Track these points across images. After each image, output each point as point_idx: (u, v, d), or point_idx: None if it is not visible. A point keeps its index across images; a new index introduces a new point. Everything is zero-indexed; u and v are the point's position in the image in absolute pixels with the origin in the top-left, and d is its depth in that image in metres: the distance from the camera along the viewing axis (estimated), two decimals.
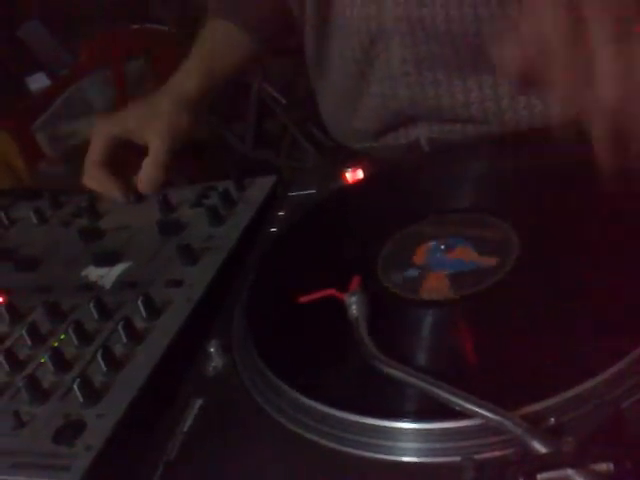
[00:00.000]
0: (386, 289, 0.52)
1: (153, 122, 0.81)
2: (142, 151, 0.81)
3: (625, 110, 0.48)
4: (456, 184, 0.62)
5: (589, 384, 0.39)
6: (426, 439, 0.40)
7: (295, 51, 0.99)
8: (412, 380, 0.42)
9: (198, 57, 0.87)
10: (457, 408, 0.39)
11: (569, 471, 0.34)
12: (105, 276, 0.66)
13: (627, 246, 0.48)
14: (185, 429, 0.47)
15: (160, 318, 0.57)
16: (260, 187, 0.75)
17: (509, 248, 0.52)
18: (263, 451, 0.44)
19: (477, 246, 0.53)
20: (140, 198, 0.79)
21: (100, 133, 0.81)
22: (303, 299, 0.51)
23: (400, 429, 0.41)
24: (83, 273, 0.67)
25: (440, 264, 0.53)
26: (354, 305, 0.49)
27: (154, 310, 0.58)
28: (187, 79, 0.84)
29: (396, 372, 0.43)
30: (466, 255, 0.53)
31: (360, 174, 0.70)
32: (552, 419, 0.38)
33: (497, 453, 0.38)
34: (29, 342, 0.58)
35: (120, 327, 0.55)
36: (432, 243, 0.55)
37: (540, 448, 0.36)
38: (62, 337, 0.58)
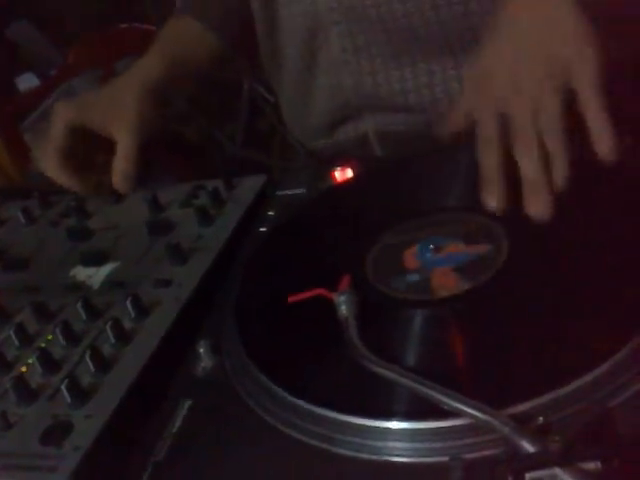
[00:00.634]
0: (393, 296, 0.52)
1: (119, 115, 0.78)
2: (101, 145, 0.79)
3: None
4: (439, 184, 0.62)
5: (577, 384, 0.39)
6: (415, 439, 0.40)
7: None
8: (401, 380, 0.42)
9: (160, 45, 0.85)
10: (446, 407, 0.39)
11: (557, 470, 0.34)
12: (93, 276, 0.65)
13: (615, 246, 0.48)
14: (174, 430, 0.47)
15: (149, 318, 0.57)
16: (249, 186, 0.75)
17: (493, 235, 0.53)
18: (252, 452, 0.44)
19: (463, 239, 0.54)
20: (119, 198, 0.79)
21: (62, 118, 0.78)
22: (292, 299, 0.51)
23: (389, 429, 0.41)
24: (71, 273, 0.67)
25: (436, 262, 0.53)
26: (344, 305, 0.49)
27: (142, 310, 0.57)
28: (150, 67, 0.83)
29: (385, 371, 0.43)
30: (456, 249, 0.53)
31: (349, 173, 0.70)
32: (540, 418, 0.38)
33: (486, 452, 0.38)
34: (17, 342, 0.57)
35: (108, 327, 0.55)
36: (416, 246, 0.55)
37: (528, 447, 0.36)
38: (50, 338, 0.58)
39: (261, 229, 0.67)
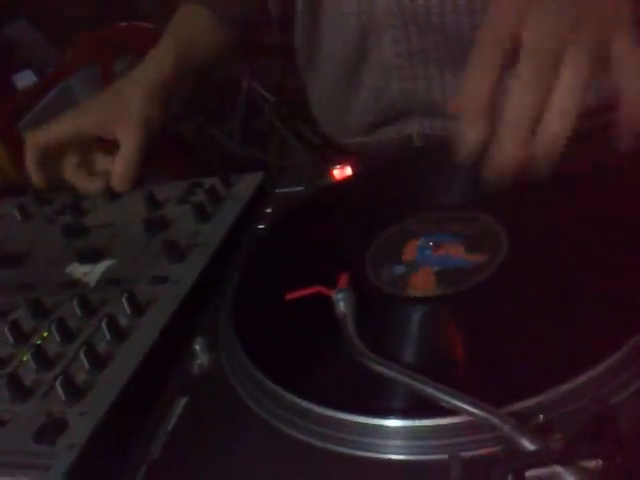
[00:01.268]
0: (374, 286, 0.52)
1: (123, 116, 0.78)
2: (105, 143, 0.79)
3: None
4: (445, 180, 0.61)
5: (577, 381, 0.38)
6: (413, 436, 0.39)
7: (284, 49, 0.98)
8: (400, 377, 0.41)
9: (171, 42, 0.84)
10: (445, 405, 0.39)
11: (558, 468, 0.34)
12: (89, 273, 0.65)
13: (614, 243, 0.48)
14: (170, 428, 0.46)
15: (145, 315, 0.57)
16: (247, 183, 0.74)
17: (497, 245, 0.52)
18: (249, 449, 0.43)
19: (465, 242, 0.53)
20: (115, 196, 0.78)
21: (29, 149, 0.79)
22: (290, 296, 0.51)
23: (387, 426, 0.40)
24: (67, 270, 0.67)
25: (427, 261, 0.53)
26: (342, 302, 0.48)
27: (138, 307, 0.57)
28: (159, 66, 0.81)
29: (383, 369, 0.42)
30: (454, 251, 0.53)
31: (348, 171, 0.70)
32: (540, 416, 0.37)
33: (485, 450, 0.37)
34: (11, 340, 0.57)
35: (104, 324, 0.54)
36: (421, 239, 0.55)
37: (528, 445, 0.35)
38: (45, 335, 0.57)
39: (259, 226, 0.67)
